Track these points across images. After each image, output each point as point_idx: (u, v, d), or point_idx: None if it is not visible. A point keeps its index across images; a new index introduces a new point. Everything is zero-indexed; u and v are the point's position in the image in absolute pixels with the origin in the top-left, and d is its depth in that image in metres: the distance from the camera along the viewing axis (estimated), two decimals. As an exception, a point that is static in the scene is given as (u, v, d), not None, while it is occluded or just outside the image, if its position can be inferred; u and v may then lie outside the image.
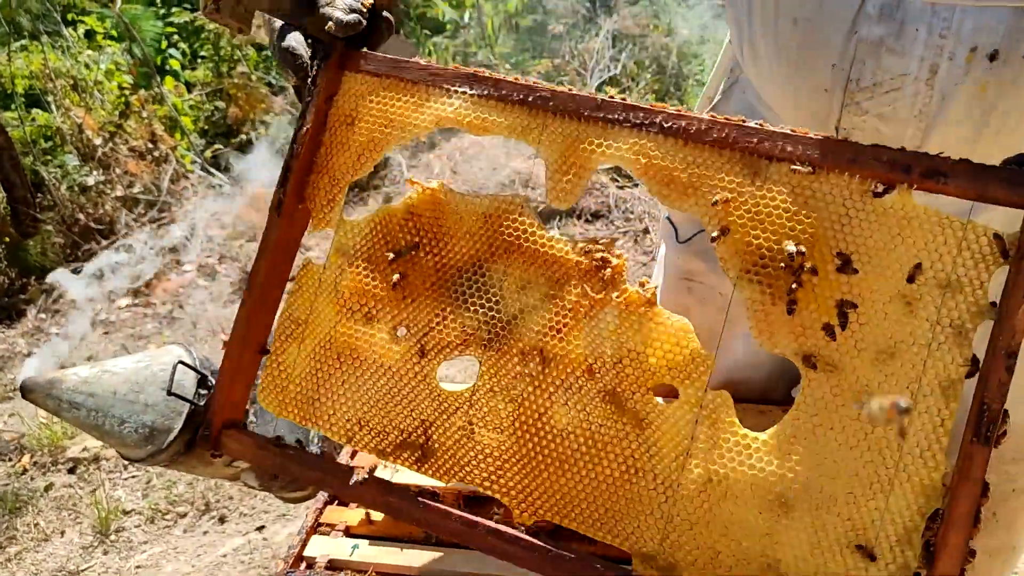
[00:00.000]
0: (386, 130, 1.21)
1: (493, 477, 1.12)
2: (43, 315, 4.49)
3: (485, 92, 1.15)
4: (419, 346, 1.16)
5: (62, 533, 3.24)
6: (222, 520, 3.28)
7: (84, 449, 3.66)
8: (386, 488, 1.16)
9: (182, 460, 1.37)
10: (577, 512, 1.08)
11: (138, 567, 3.05)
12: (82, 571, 3.05)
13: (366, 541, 1.45)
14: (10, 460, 3.73)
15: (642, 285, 1.07)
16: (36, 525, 3.28)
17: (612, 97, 1.10)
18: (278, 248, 1.24)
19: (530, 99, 1.13)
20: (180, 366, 1.32)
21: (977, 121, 1.12)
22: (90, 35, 5.61)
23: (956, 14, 1.05)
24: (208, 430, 1.24)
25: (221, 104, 5.56)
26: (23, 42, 5.43)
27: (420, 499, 1.14)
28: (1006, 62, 1.05)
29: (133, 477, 3.52)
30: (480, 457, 1.12)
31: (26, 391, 1.36)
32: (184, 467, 1.40)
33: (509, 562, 1.08)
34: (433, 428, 1.15)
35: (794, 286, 1.00)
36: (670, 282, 1.66)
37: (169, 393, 1.30)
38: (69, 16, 5.64)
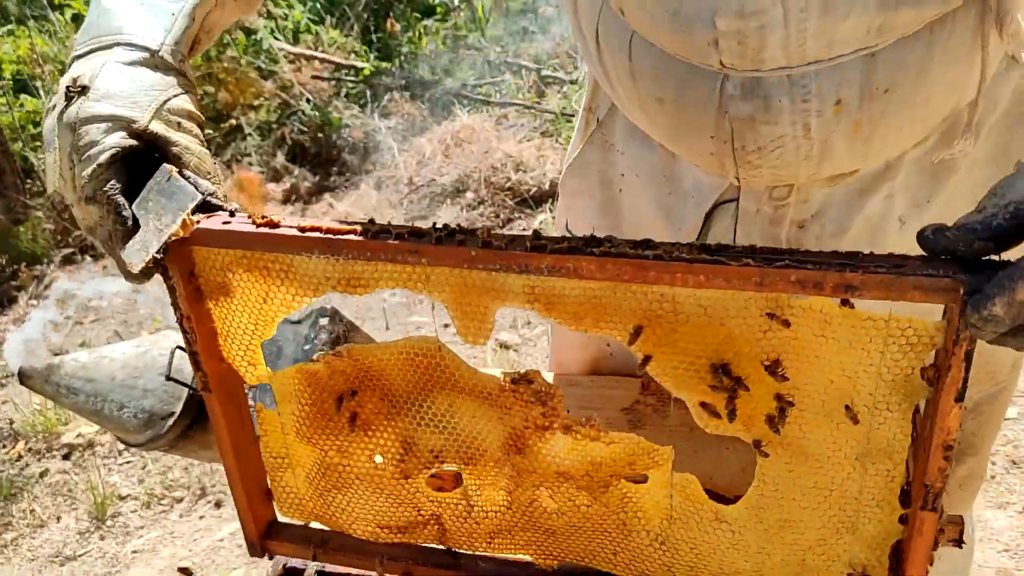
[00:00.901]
0: (266, 305, 1.12)
1: (509, 545, 1.25)
2: (34, 301, 4.32)
3: (350, 256, 1.03)
4: (399, 470, 1.22)
5: (58, 519, 3.32)
6: (218, 505, 3.30)
7: (79, 435, 3.67)
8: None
9: (181, 444, 1.43)
10: (591, 556, 1.23)
11: (135, 552, 3.12)
12: (79, 556, 3.13)
13: None
14: (4, 447, 3.75)
15: (587, 421, 1.07)
16: (32, 511, 3.36)
17: (490, 239, 0.98)
18: (229, 416, 1.24)
19: (398, 258, 1.01)
20: (178, 350, 1.33)
21: (860, 150, 1.14)
22: (77, 19, 5.31)
23: (812, 79, 1.06)
24: (254, 547, 1.37)
25: (211, 89, 5.31)
26: (10, 27, 5.37)
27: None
28: (870, 100, 1.08)
29: (128, 463, 3.53)
30: (492, 532, 1.24)
31: (24, 377, 1.39)
32: (183, 451, 1.48)
33: None
34: (443, 518, 1.26)
35: (729, 396, 0.99)
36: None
37: (168, 378, 1.33)
38: (56, 1, 5.46)
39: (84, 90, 1.03)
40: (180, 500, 3.30)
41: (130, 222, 1.03)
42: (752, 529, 1.09)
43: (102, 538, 3.16)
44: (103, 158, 1.02)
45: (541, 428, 1.09)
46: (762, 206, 1.33)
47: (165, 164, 1.03)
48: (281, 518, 1.38)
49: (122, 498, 3.33)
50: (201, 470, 3.38)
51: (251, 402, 1.31)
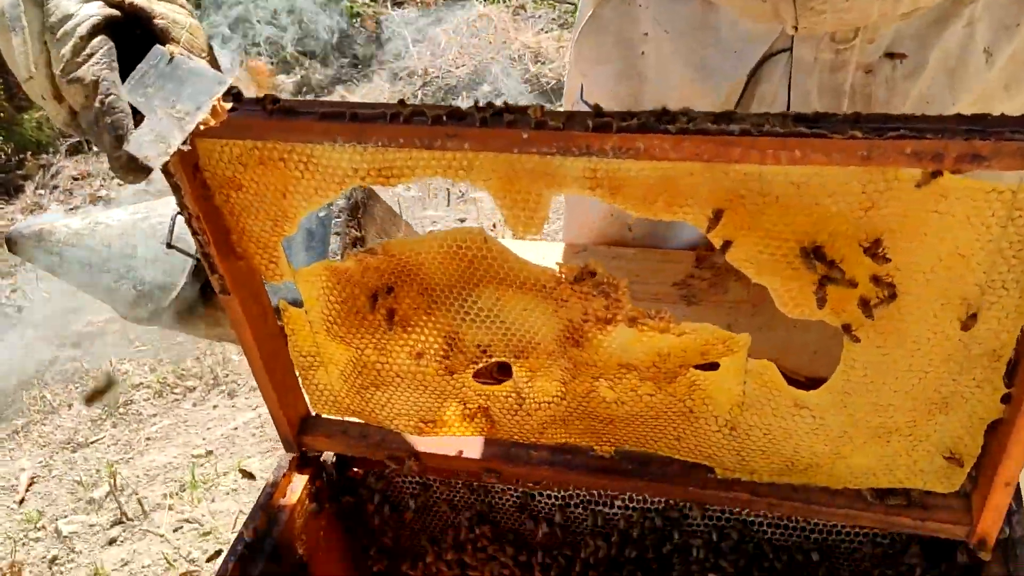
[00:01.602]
0: (286, 201, 0.99)
1: (563, 434, 1.18)
2: (41, 191, 4.01)
3: (380, 143, 0.89)
4: (444, 367, 1.12)
5: (69, 406, 3.26)
6: (231, 395, 3.21)
7: (88, 323, 3.52)
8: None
9: (186, 321, 1.33)
10: (652, 442, 1.16)
11: (148, 439, 3.07)
12: (91, 443, 3.08)
13: None
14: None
15: (656, 313, 0.97)
16: (42, 398, 3.29)
17: (544, 119, 0.83)
18: (252, 317, 1.13)
19: (436, 144, 0.87)
20: (180, 217, 1.17)
21: None
22: None
23: None
24: (289, 444, 1.30)
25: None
26: None
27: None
28: None
29: (140, 351, 3.43)
30: (545, 423, 1.17)
31: (11, 244, 1.28)
32: (189, 329, 1.37)
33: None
34: (492, 411, 1.18)
35: (819, 283, 0.88)
36: None
37: (168, 246, 1.22)
38: None
39: None
40: (193, 389, 3.26)
41: (126, 104, 0.87)
42: (835, 414, 1.01)
43: (115, 425, 3.14)
44: (83, 30, 0.85)
45: (603, 321, 0.99)
46: (821, 53, 1.18)
47: (158, 46, 0.87)
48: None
49: (134, 386, 3.29)
50: (214, 360, 3.33)
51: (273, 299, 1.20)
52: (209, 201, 1.01)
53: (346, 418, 1.28)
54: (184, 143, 0.86)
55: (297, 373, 1.22)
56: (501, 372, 1.28)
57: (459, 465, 1.23)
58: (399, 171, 0.91)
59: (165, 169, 0.96)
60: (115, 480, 2.85)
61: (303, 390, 1.25)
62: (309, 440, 1.29)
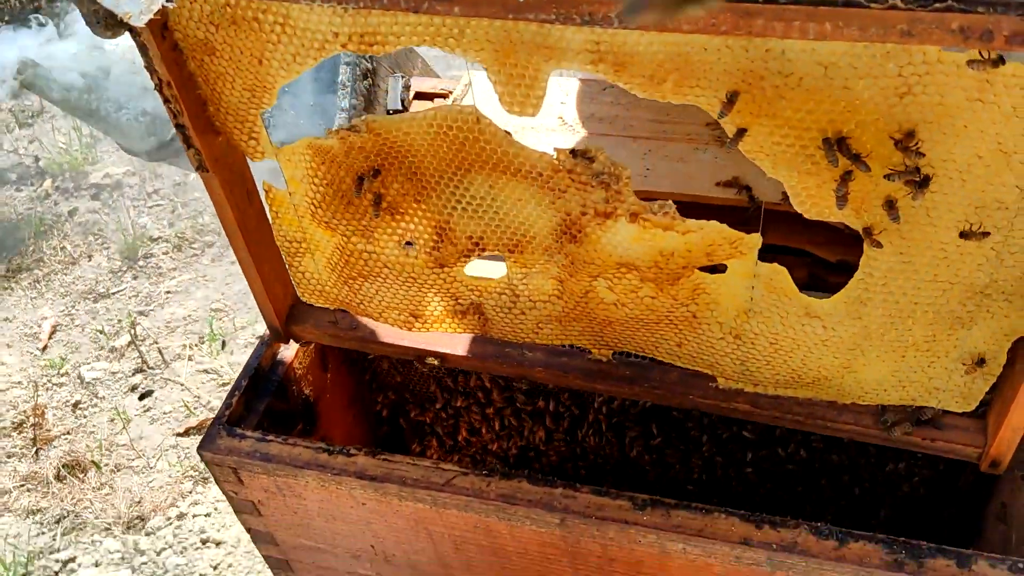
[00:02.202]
0: (262, 68, 0.90)
1: (559, 334, 1.12)
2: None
3: (362, 4, 0.80)
4: (434, 259, 1.06)
5: (89, 257, 3.21)
6: None
7: (106, 175, 3.44)
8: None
9: None
10: (652, 347, 1.10)
11: (168, 292, 3.04)
12: (112, 294, 3.06)
13: None
14: (32, 184, 3.59)
15: (659, 208, 0.89)
16: (63, 248, 3.24)
17: None
18: (234, 197, 1.07)
19: (423, 7, 0.77)
20: None
21: None
22: None
23: None
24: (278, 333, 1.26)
25: None
26: None
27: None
28: None
29: (158, 205, 3.34)
30: (540, 322, 1.12)
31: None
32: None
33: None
34: (485, 308, 1.12)
35: (841, 179, 0.80)
36: None
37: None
38: None
39: None
40: (211, 245, 3.22)
41: None
42: (848, 325, 0.94)
43: (135, 277, 3.14)
44: None
45: (602, 215, 0.92)
46: None
47: None
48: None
49: (153, 240, 3.27)
50: (232, 214, 3.28)
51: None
52: (182, 67, 0.94)
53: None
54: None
55: (284, 260, 1.17)
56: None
57: (453, 361, 1.19)
58: (383, 37, 0.83)
59: (130, 28, 0.87)
60: (135, 330, 2.88)
61: (291, 278, 1.20)
62: (298, 330, 1.25)
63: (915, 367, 0.96)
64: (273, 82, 0.91)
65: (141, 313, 2.96)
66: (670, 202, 0.89)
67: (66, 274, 3.16)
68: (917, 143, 0.75)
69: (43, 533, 2.31)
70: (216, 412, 1.13)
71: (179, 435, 2.59)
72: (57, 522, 2.33)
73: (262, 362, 1.19)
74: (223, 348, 2.71)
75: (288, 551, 1.21)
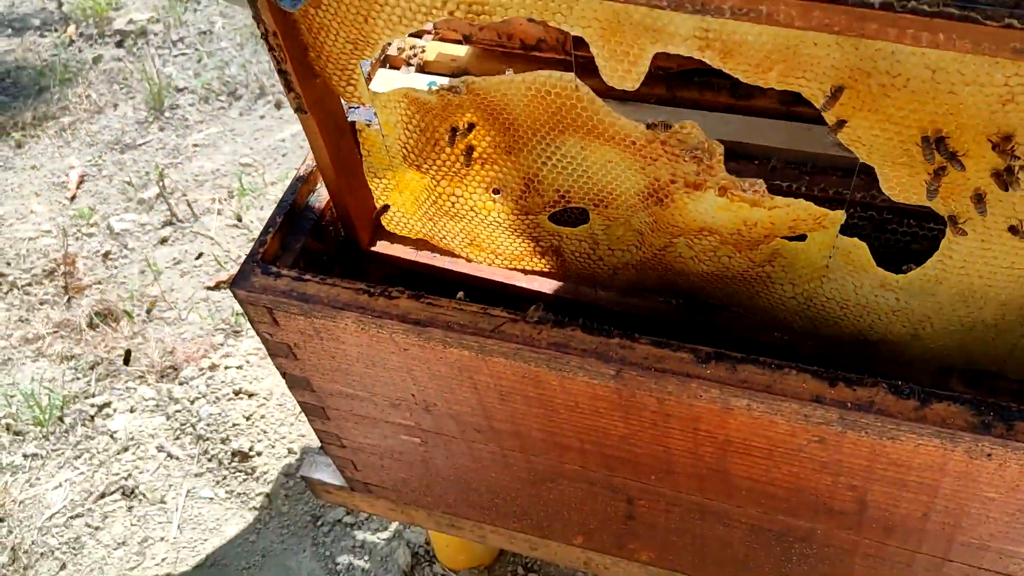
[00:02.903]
0: (367, 26, 0.90)
1: (635, 278, 1.13)
2: None
3: None
4: (520, 207, 1.08)
5: (115, 106, 3.13)
6: (278, 106, 3.05)
7: (130, 22, 3.33)
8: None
9: None
10: (725, 298, 1.10)
11: (195, 145, 2.96)
12: (139, 145, 3.00)
13: (444, 79, 1.19)
14: (56, 31, 3.47)
15: (750, 186, 0.91)
16: (88, 96, 3.16)
17: None
18: (329, 136, 1.07)
19: None
20: None
21: None
22: None
23: None
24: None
25: None
26: None
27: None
28: None
29: (183, 55, 3.25)
30: (617, 267, 1.13)
31: None
32: None
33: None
34: (564, 252, 1.15)
35: (934, 174, 0.81)
36: None
37: None
38: None
39: None
40: (239, 98, 3.14)
41: None
42: (921, 300, 0.97)
43: (161, 129, 3.09)
44: None
45: (691, 186, 0.93)
46: None
47: None
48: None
49: (179, 90, 3.19)
50: (259, 69, 3.16)
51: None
52: (287, 16, 0.93)
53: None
54: None
55: (373, 193, 1.17)
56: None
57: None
58: (491, 7, 0.82)
59: None
60: (164, 183, 2.82)
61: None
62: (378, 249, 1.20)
63: (982, 339, 0.96)
64: (377, 39, 0.91)
65: (169, 165, 2.90)
66: (761, 181, 0.89)
67: (92, 123, 3.12)
68: (1014, 146, 0.75)
69: (78, 379, 2.33)
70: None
71: (209, 288, 2.57)
72: (91, 368, 2.35)
73: (297, 200, 1.11)
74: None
75: (324, 398, 1.18)
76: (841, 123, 0.80)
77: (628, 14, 0.79)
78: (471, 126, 0.99)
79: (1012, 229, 0.83)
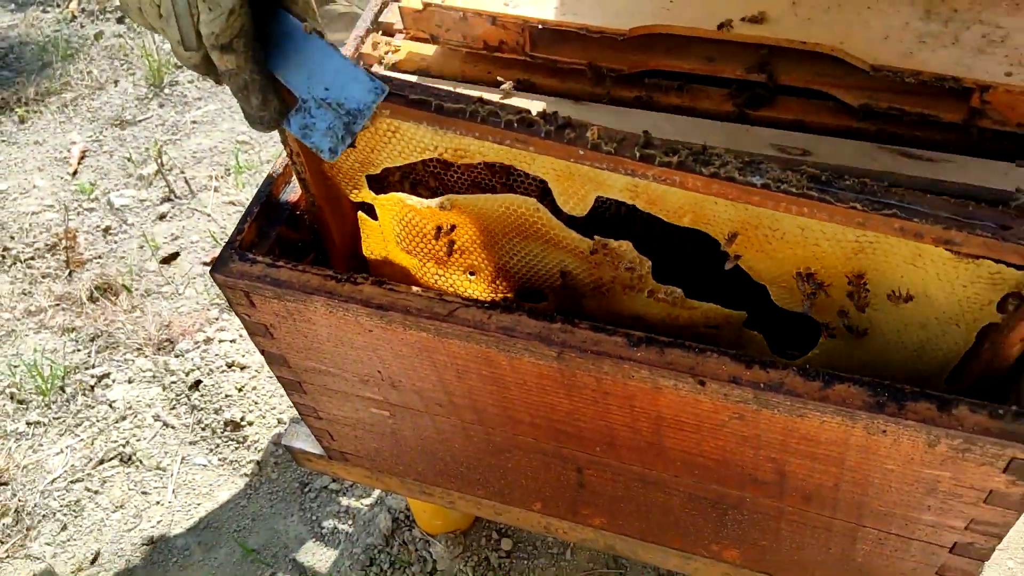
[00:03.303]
0: (373, 155, 1.13)
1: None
2: None
3: (458, 132, 1.03)
4: (492, 287, 1.22)
5: (116, 83, 3.23)
6: None
7: None
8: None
9: None
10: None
11: (194, 122, 3.05)
12: (139, 121, 3.09)
13: (412, 78, 1.27)
14: (58, 6, 3.56)
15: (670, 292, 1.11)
16: (89, 73, 3.26)
17: (600, 141, 0.97)
18: (336, 220, 1.27)
19: (506, 142, 1.00)
20: None
21: None
22: None
23: None
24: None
25: None
26: None
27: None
28: None
29: None
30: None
31: None
32: None
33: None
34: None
35: (807, 297, 1.01)
36: None
37: None
38: None
39: None
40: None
41: (268, 73, 0.99)
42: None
43: (161, 105, 3.17)
44: (231, 3, 0.90)
45: (627, 286, 1.12)
46: None
47: (292, 17, 0.97)
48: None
49: (178, 67, 3.24)
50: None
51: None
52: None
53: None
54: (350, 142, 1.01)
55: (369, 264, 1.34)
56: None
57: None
58: (472, 154, 1.05)
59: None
60: (163, 159, 2.90)
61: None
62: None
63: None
64: (379, 164, 1.12)
65: (168, 142, 2.98)
66: (679, 290, 1.09)
67: (93, 99, 3.20)
68: (865, 281, 0.98)
69: (78, 350, 2.43)
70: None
71: (206, 264, 2.66)
72: (91, 340, 2.45)
73: (273, 191, 1.20)
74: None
75: (300, 373, 1.27)
76: (737, 256, 1.01)
77: (577, 168, 1.00)
78: (453, 227, 1.15)
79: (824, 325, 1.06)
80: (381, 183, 1.24)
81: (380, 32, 1.32)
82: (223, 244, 2.69)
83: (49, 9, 3.62)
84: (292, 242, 1.24)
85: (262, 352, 1.27)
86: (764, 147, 1.11)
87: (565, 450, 1.22)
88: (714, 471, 1.12)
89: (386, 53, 1.30)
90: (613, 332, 1.00)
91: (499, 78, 1.22)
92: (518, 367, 1.07)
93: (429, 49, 1.28)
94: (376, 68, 1.29)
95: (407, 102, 1.00)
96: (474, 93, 1.02)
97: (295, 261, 1.13)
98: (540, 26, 1.16)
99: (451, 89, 1.02)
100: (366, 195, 1.18)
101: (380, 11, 1.32)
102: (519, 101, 1.18)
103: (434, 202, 1.13)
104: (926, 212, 0.87)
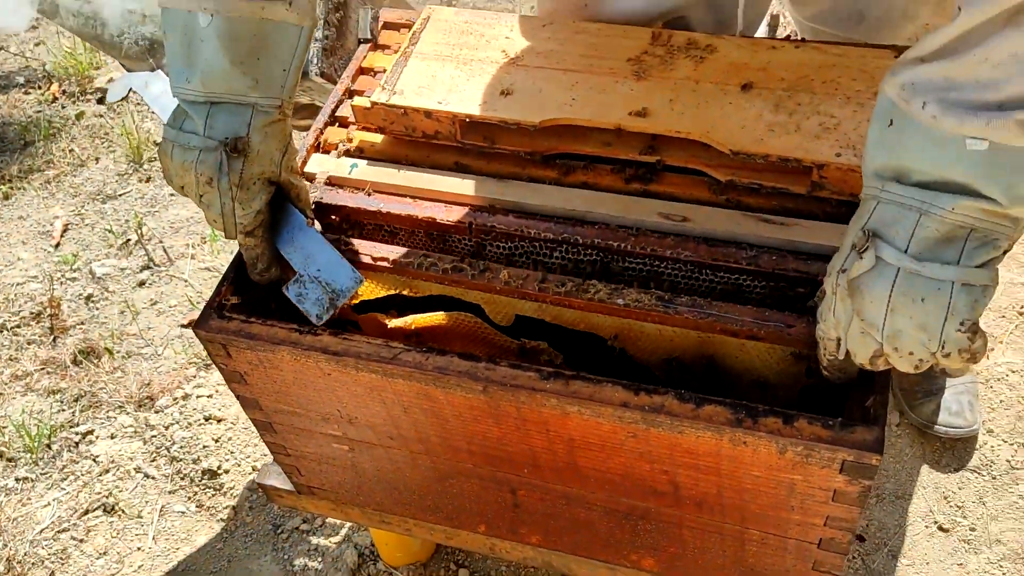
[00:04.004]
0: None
1: None
2: None
3: (406, 276, 1.41)
4: None
5: (97, 160, 3.44)
6: None
7: (110, 80, 3.64)
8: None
9: None
10: None
11: (171, 195, 3.28)
12: (119, 195, 3.30)
13: (364, 162, 1.50)
14: (40, 88, 3.78)
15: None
16: (71, 151, 3.47)
17: (510, 280, 1.30)
18: None
19: (445, 281, 1.37)
20: None
21: None
22: None
23: None
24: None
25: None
26: None
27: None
28: None
29: None
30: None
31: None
32: None
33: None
34: None
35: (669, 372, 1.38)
36: None
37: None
38: None
39: (241, 149, 1.22)
40: (214, 149, 3.45)
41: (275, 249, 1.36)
42: None
43: (140, 180, 3.36)
44: (259, 205, 1.28)
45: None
46: None
47: (297, 212, 1.35)
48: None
49: (156, 144, 3.45)
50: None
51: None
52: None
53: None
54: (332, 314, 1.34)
55: None
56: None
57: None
58: (424, 290, 1.42)
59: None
60: (142, 230, 3.11)
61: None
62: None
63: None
64: (357, 298, 1.46)
65: (147, 213, 3.19)
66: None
67: (75, 176, 3.40)
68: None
69: (63, 410, 2.60)
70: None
71: (183, 326, 2.85)
72: (76, 400, 2.62)
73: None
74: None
75: (271, 414, 1.47)
76: (622, 349, 1.34)
77: (498, 296, 1.36)
78: (419, 334, 1.44)
79: None
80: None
81: (337, 124, 1.56)
82: (200, 307, 2.90)
83: (31, 91, 3.84)
84: (263, 298, 1.45)
85: (238, 397, 1.48)
86: (652, 215, 1.36)
87: (499, 473, 1.42)
88: (621, 485, 1.34)
89: (341, 142, 1.53)
90: (527, 368, 1.23)
91: (437, 161, 1.46)
92: (453, 401, 1.29)
93: (378, 138, 1.52)
94: (334, 154, 1.52)
95: (374, 259, 1.40)
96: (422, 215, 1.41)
97: (265, 316, 1.34)
98: (468, 119, 1.41)
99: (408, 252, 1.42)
100: (347, 314, 1.48)
101: (337, 106, 1.57)
102: (454, 181, 1.42)
103: (400, 321, 1.43)
104: (735, 318, 1.22)
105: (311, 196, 1.42)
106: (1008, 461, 2.23)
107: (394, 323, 1.44)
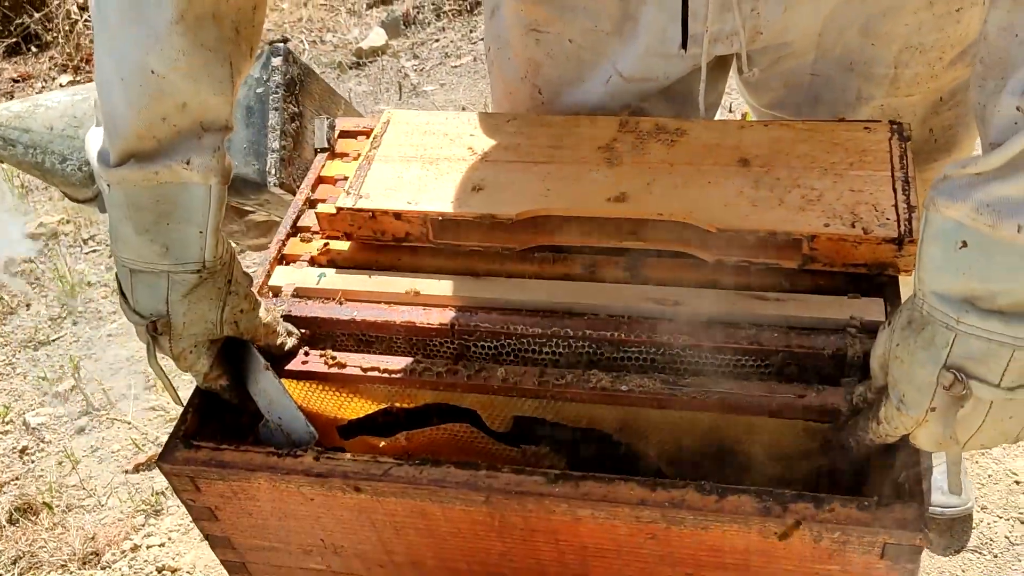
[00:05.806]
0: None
1: None
2: None
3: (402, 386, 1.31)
4: None
5: (28, 306, 3.31)
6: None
7: (40, 225, 3.58)
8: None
9: None
10: None
11: (109, 335, 3.14)
12: (53, 340, 3.16)
13: (332, 270, 1.43)
14: None
15: None
16: (0, 299, 3.35)
17: (507, 376, 1.25)
18: None
19: (440, 388, 1.28)
20: None
21: None
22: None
23: None
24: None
25: None
26: None
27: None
28: None
29: (94, 251, 3.49)
30: None
31: None
32: None
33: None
34: None
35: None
36: (516, 36, 1.57)
37: None
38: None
39: (163, 329, 1.17)
40: (150, 288, 3.34)
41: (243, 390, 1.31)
42: None
43: (75, 323, 3.21)
44: (203, 367, 1.26)
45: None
46: None
47: (259, 358, 1.29)
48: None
49: (90, 284, 3.34)
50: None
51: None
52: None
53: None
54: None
55: None
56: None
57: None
58: (418, 399, 1.34)
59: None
60: (79, 374, 2.94)
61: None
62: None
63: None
64: (346, 417, 1.41)
65: (84, 356, 3.03)
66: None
67: (4, 324, 3.22)
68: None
69: (2, 574, 2.36)
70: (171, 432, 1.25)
71: (128, 472, 2.66)
72: (13, 563, 2.40)
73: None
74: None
75: (244, 553, 1.34)
76: (628, 443, 1.28)
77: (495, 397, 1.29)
78: (410, 453, 1.37)
79: None
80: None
81: (298, 235, 1.49)
82: (147, 449, 2.72)
83: (-51, 244, 3.70)
84: (234, 424, 1.34)
85: (207, 537, 1.34)
86: (644, 301, 1.30)
87: (502, 594, 1.31)
88: (640, 594, 1.23)
89: (304, 252, 1.46)
90: (532, 472, 1.13)
91: (409, 264, 1.40)
92: (451, 516, 1.18)
93: (345, 245, 1.45)
94: (299, 263, 1.45)
95: (364, 369, 1.31)
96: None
97: (238, 441, 1.23)
98: (440, 217, 1.35)
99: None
100: (336, 441, 1.39)
101: (298, 217, 1.50)
102: (430, 282, 1.36)
103: (391, 440, 1.36)
104: (744, 395, 1.18)
105: (278, 311, 1.33)
106: (1007, 538, 2.17)
107: (386, 442, 1.35)
